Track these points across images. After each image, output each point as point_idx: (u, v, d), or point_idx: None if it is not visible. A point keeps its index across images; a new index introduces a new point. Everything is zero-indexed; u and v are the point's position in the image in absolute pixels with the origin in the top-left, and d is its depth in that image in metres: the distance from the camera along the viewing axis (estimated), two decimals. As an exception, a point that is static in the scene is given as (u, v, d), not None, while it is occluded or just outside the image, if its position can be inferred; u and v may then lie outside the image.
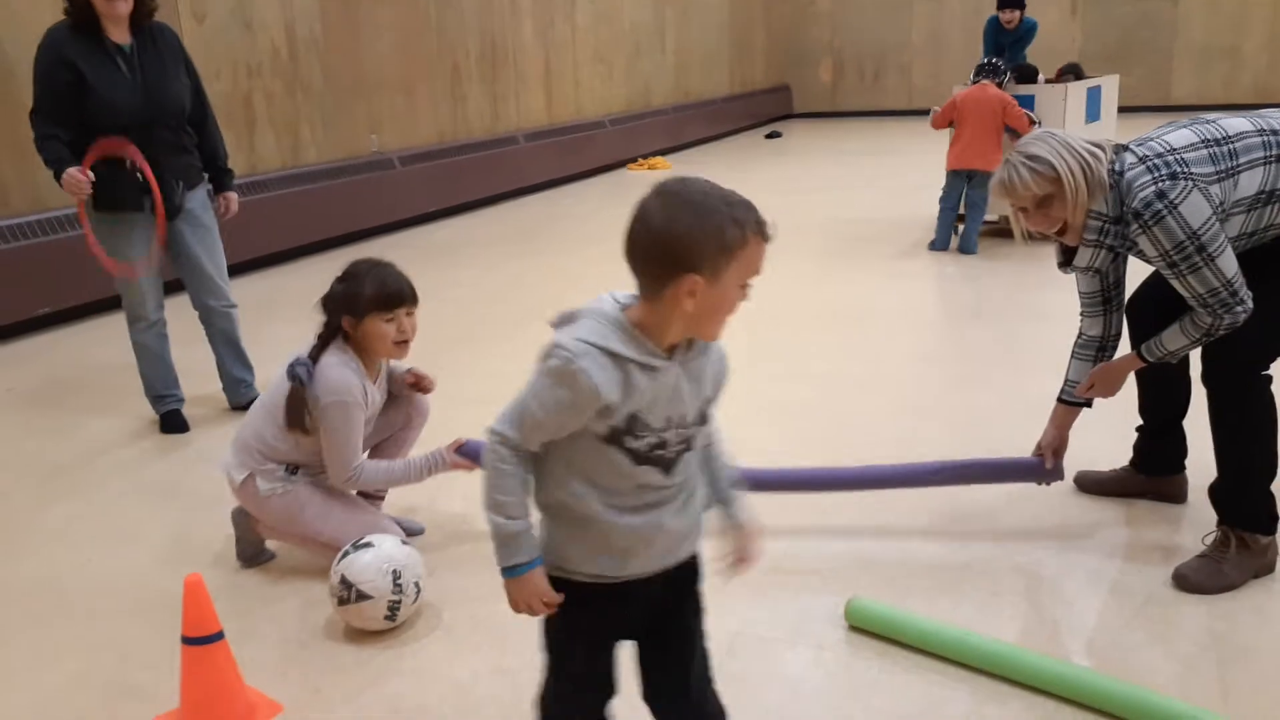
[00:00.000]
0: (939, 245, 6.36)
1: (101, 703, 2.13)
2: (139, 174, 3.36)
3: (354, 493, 2.65)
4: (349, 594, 2.24)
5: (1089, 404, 2.63)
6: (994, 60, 6.45)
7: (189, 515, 3.02)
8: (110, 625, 2.43)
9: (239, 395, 3.85)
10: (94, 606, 2.53)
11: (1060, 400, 2.64)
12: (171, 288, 3.81)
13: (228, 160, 3.76)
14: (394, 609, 2.27)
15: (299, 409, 2.41)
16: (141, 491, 3.23)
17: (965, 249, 6.27)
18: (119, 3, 3.24)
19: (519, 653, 2.20)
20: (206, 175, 3.70)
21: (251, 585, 2.59)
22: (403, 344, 2.45)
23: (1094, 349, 2.57)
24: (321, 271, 6.28)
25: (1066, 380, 2.63)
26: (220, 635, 1.95)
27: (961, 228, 6.37)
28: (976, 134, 6.16)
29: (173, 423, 3.69)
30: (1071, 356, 2.62)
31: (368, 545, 2.31)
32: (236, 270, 6.30)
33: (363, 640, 2.30)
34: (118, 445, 3.62)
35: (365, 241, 7.27)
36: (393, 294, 2.41)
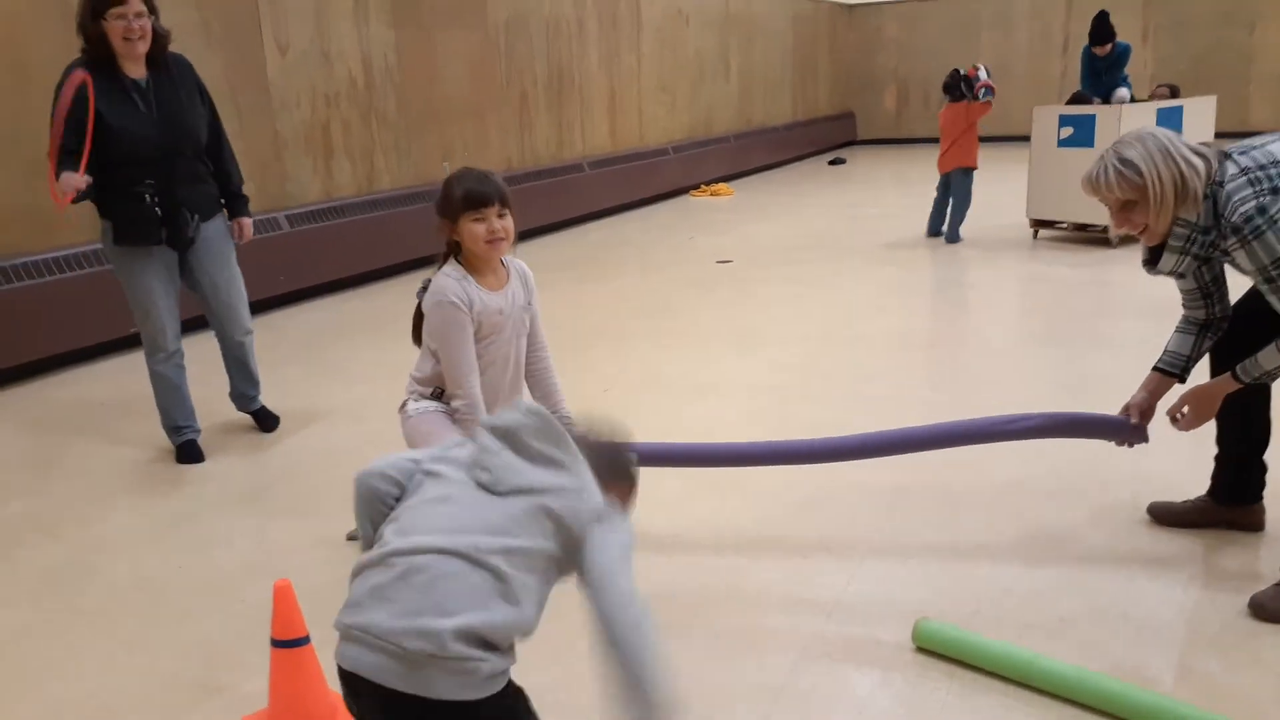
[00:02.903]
0: (929, 233, 7.75)
1: (192, 701, 2.23)
2: (156, 207, 3.40)
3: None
4: None
5: (1183, 378, 2.57)
6: (954, 75, 7.45)
7: (272, 524, 3.14)
8: (201, 627, 2.54)
9: (243, 405, 4.00)
10: (186, 608, 2.64)
11: (1156, 368, 2.60)
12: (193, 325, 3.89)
13: (242, 186, 3.77)
14: None
15: (417, 322, 2.60)
16: (226, 501, 3.36)
17: (949, 238, 7.50)
18: (138, 44, 3.30)
19: (587, 662, 2.24)
20: (223, 202, 3.73)
21: (331, 593, 2.66)
22: (493, 242, 2.49)
23: (1198, 326, 2.53)
24: (395, 295, 6.50)
25: (1166, 350, 2.59)
26: (307, 639, 2.03)
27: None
28: (951, 143, 7.46)
29: (188, 453, 3.72)
30: (1175, 330, 2.58)
31: None
32: (311, 294, 6.53)
33: (438, 649, 2.37)
34: (205, 455, 3.76)
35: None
36: (477, 194, 2.47)
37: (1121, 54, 7.74)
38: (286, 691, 1.99)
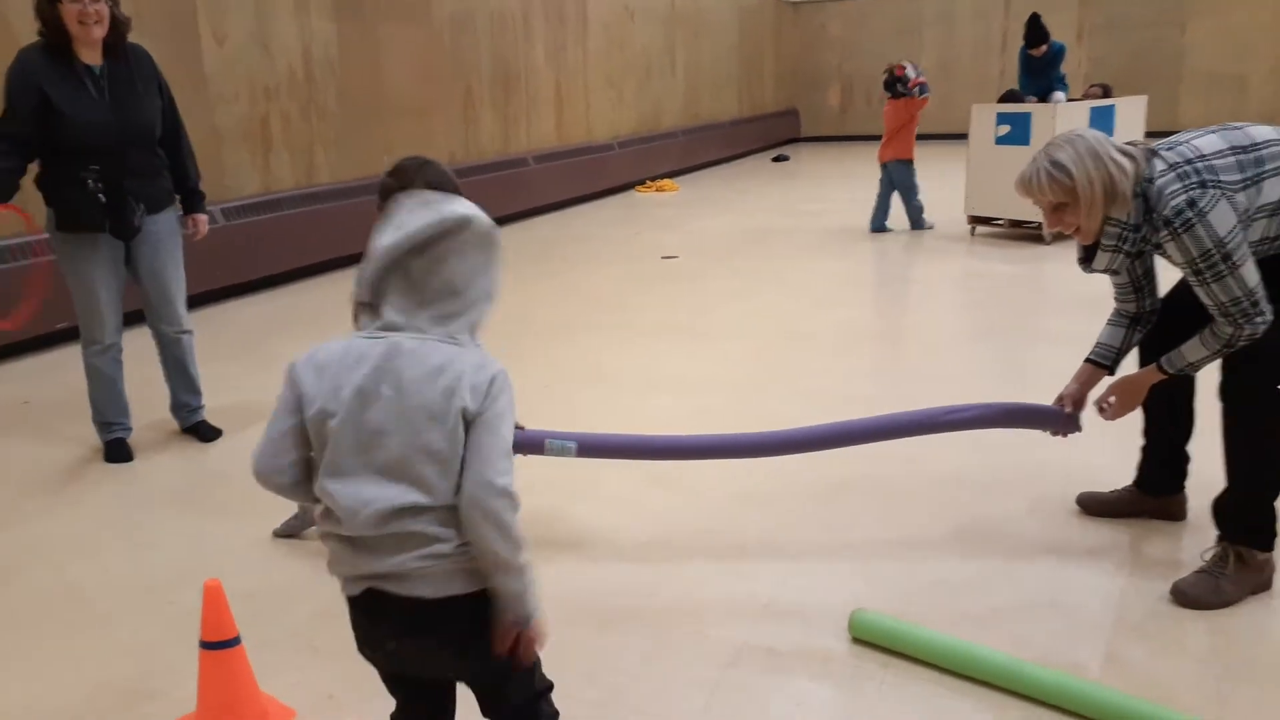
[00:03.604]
0: (873, 229, 7.88)
1: (122, 707, 2.18)
2: (100, 194, 3.33)
3: None
4: None
5: (1113, 369, 2.64)
6: (889, 73, 7.73)
7: (203, 525, 3.08)
8: (129, 631, 2.49)
9: (185, 419, 3.85)
10: (113, 612, 2.58)
11: (1088, 360, 2.66)
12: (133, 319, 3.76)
13: (199, 182, 3.70)
14: None
15: (357, 313, 2.54)
16: (157, 501, 3.29)
17: (914, 225, 7.82)
18: (94, 28, 3.24)
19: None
20: (178, 197, 3.65)
21: (264, 594, 2.63)
22: None
23: (1129, 319, 2.60)
24: (334, 290, 6.41)
25: (1097, 342, 2.64)
26: (238, 640, 2.00)
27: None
28: (888, 134, 7.76)
29: (117, 451, 3.64)
30: (1106, 323, 2.64)
31: None
32: (249, 288, 6.42)
33: (375, 648, 2.35)
34: (134, 454, 3.68)
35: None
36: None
37: (1056, 54, 7.91)
38: (216, 694, 1.96)
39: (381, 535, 1.39)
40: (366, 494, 1.38)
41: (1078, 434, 2.70)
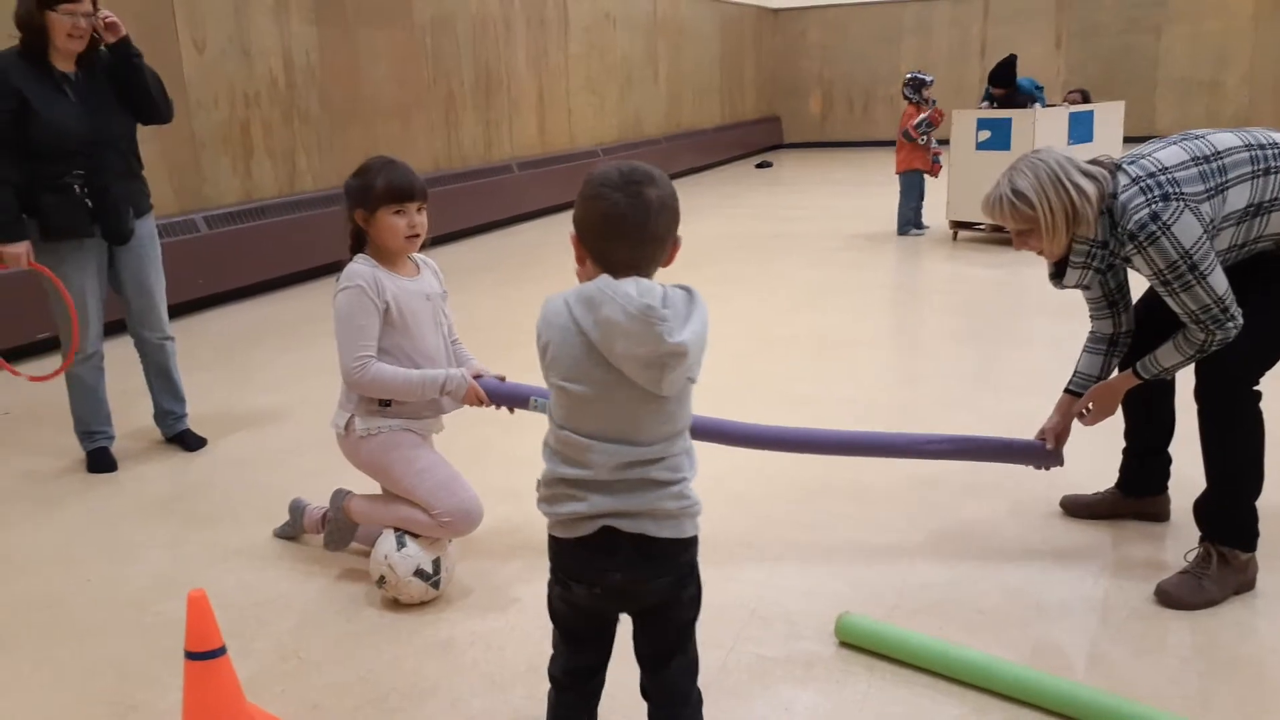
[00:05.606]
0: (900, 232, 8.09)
1: (103, 719, 2.15)
2: (87, 199, 3.32)
3: (433, 440, 2.68)
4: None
5: None
6: (907, 77, 7.90)
7: (187, 534, 3.05)
8: (110, 643, 2.46)
9: (169, 427, 3.82)
10: (94, 625, 2.55)
11: (1067, 390, 2.67)
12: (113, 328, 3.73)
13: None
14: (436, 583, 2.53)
15: None
16: (141, 511, 3.26)
17: (899, 231, 7.95)
18: (76, 41, 3.28)
19: (523, 679, 2.23)
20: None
21: (248, 604, 2.61)
22: (413, 238, 2.49)
23: (1105, 343, 2.61)
24: (317, 298, 6.38)
25: (1075, 372, 2.66)
26: (223, 650, 1.97)
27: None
28: (898, 144, 7.89)
29: (100, 461, 3.60)
30: (1083, 350, 2.65)
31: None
32: (231, 297, 6.38)
33: (361, 657, 2.33)
34: (118, 464, 3.64)
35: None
36: (402, 188, 2.46)
37: (1024, 100, 7.79)
38: (201, 705, 1.94)
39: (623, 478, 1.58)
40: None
41: (1061, 467, 2.71)
